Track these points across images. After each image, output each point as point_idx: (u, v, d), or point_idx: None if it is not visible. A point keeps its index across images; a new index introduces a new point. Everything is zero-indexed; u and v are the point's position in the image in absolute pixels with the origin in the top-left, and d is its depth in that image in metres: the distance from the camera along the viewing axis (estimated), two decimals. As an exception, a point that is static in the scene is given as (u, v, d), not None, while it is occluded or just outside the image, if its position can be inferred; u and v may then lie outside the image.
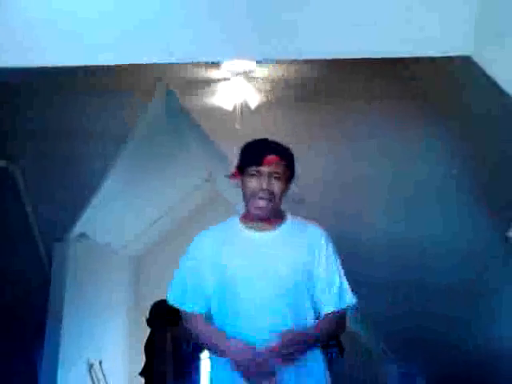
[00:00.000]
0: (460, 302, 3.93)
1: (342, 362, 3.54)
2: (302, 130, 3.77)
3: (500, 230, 3.15)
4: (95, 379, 5.02)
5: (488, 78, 2.04)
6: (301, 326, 1.71)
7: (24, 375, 4.55)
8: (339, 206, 4.04)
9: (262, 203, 1.73)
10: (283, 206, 1.84)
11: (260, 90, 3.80)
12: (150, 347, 4.22)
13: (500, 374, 4.04)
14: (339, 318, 1.81)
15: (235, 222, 1.83)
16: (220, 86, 3.80)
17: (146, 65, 2.33)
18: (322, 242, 1.80)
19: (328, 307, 1.77)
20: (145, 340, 4.29)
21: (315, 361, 1.76)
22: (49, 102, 3.62)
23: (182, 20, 2.23)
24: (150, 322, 4.25)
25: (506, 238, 3.08)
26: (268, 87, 3.78)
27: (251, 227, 1.79)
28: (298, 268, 1.74)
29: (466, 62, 2.09)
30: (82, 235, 4.83)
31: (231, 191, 4.32)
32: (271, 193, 1.73)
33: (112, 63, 2.27)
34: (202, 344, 1.83)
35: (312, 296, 1.76)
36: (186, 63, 3.22)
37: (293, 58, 2.69)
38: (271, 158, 1.72)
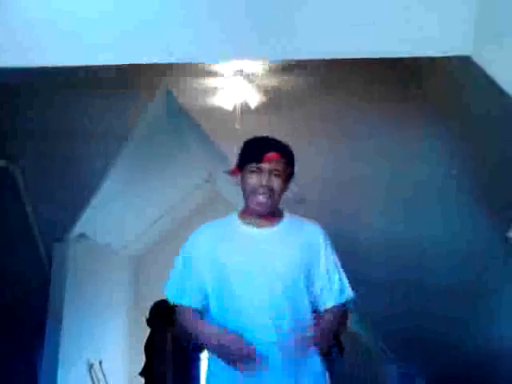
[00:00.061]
0: (460, 302, 3.93)
1: (341, 361, 3.53)
2: (301, 129, 3.77)
3: (500, 230, 3.15)
4: (95, 379, 5.02)
5: (487, 78, 2.04)
6: (299, 322, 1.71)
7: (24, 375, 4.55)
8: (338, 205, 4.04)
9: (262, 199, 1.74)
10: (283, 206, 1.85)
11: (260, 90, 3.80)
12: (150, 347, 4.22)
13: (499, 374, 4.04)
14: (342, 312, 1.85)
15: (233, 218, 1.83)
16: (220, 85, 3.81)
17: (146, 65, 2.32)
18: (321, 239, 1.81)
19: (329, 302, 1.79)
20: (145, 340, 4.29)
21: (314, 361, 1.75)
22: (49, 102, 3.62)
23: (181, 20, 2.23)
24: (149, 322, 4.25)
25: (506, 239, 3.08)
26: (268, 87, 3.78)
27: (250, 223, 1.79)
28: (296, 265, 1.74)
29: (466, 62, 2.09)
30: (82, 235, 4.83)
31: (231, 191, 4.33)
32: (271, 189, 1.74)
33: (112, 63, 2.27)
34: (193, 338, 1.82)
35: (311, 292, 1.77)
36: (186, 63, 3.22)
37: (292, 57, 2.69)
38: (272, 155, 1.73)
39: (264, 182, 1.73)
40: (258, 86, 3.78)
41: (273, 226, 1.79)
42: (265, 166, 1.73)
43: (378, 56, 2.20)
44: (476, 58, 2.06)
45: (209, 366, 1.78)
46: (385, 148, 3.69)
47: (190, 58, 2.50)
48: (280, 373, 1.67)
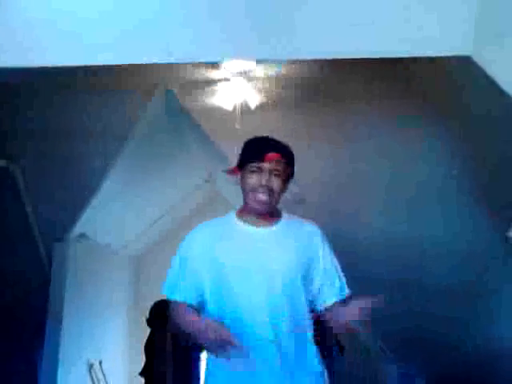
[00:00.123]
0: (460, 302, 3.93)
1: (341, 360, 3.54)
2: (301, 129, 3.77)
3: (500, 230, 3.15)
4: (95, 379, 5.02)
5: (488, 77, 2.04)
6: (298, 320, 1.73)
7: (24, 375, 4.55)
8: (338, 205, 4.04)
9: (262, 198, 1.74)
10: (282, 206, 1.85)
11: (260, 90, 3.80)
12: (150, 347, 4.22)
13: (500, 374, 4.03)
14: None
15: (231, 217, 1.83)
16: (220, 85, 3.81)
17: (146, 65, 2.33)
18: (319, 239, 1.82)
19: (330, 299, 1.80)
20: (145, 340, 4.29)
21: (313, 360, 1.75)
22: (49, 101, 3.62)
23: (181, 20, 2.23)
24: (149, 322, 4.25)
25: (506, 238, 3.08)
26: (268, 87, 3.78)
27: (248, 222, 1.79)
28: (294, 263, 1.75)
29: (466, 61, 2.09)
30: (82, 235, 4.83)
31: (231, 191, 4.32)
32: (271, 189, 1.74)
33: (112, 63, 2.27)
34: (184, 334, 1.81)
35: (310, 291, 1.78)
36: (186, 63, 3.22)
37: (292, 57, 2.69)
38: (273, 155, 1.74)
39: (264, 182, 1.73)
40: (258, 86, 3.78)
41: (271, 225, 1.80)
42: (265, 165, 1.74)
43: (377, 56, 2.20)
44: (476, 58, 2.06)
45: (207, 366, 1.78)
46: (385, 148, 3.69)
47: (190, 58, 2.50)
48: (278, 372, 1.67)
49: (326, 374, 1.77)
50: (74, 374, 4.68)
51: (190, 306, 1.77)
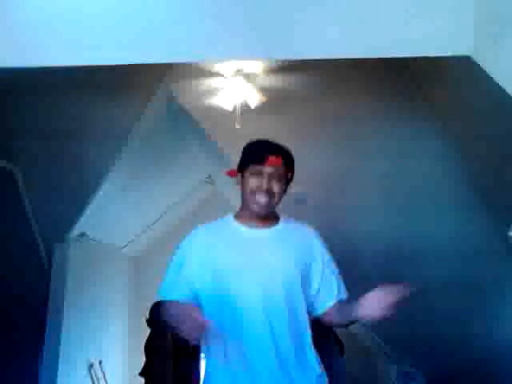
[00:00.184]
0: (460, 302, 3.93)
1: (341, 361, 3.53)
2: (301, 129, 3.78)
3: (500, 230, 3.15)
4: (95, 379, 5.02)
5: (488, 77, 2.04)
6: (297, 322, 1.73)
7: (24, 375, 4.55)
8: (338, 205, 4.04)
9: (262, 201, 1.75)
10: (284, 206, 1.85)
11: (260, 90, 3.80)
12: (150, 347, 4.21)
13: (500, 374, 4.04)
14: None
15: (229, 220, 1.85)
16: (220, 86, 3.81)
17: (146, 65, 2.32)
18: (317, 241, 1.84)
19: (329, 302, 1.81)
20: (145, 340, 4.29)
21: (312, 362, 1.75)
22: (49, 101, 3.62)
23: (182, 20, 2.23)
24: (149, 322, 4.25)
25: (506, 238, 3.08)
26: (268, 87, 3.78)
27: (246, 225, 1.80)
28: (292, 265, 1.76)
29: (466, 61, 2.09)
30: (82, 235, 4.83)
31: (231, 191, 4.32)
32: (271, 193, 1.75)
33: (112, 63, 2.27)
34: (167, 325, 1.77)
35: (308, 294, 1.79)
36: (186, 63, 3.22)
37: (293, 57, 2.69)
38: (274, 158, 1.75)
39: (265, 185, 1.74)
40: (258, 86, 3.78)
41: (269, 228, 1.81)
42: (266, 169, 1.75)
43: (378, 56, 2.20)
44: (476, 58, 2.06)
45: (207, 366, 1.78)
46: (385, 148, 3.69)
47: (190, 58, 2.50)
48: (277, 373, 1.67)
49: (325, 375, 1.77)
50: (73, 373, 4.67)
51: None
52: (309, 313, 1.79)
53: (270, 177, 1.75)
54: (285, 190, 1.81)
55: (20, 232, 4.45)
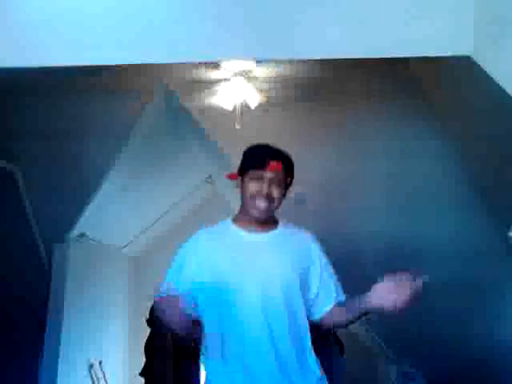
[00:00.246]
0: (460, 302, 3.93)
1: (341, 361, 3.54)
2: (301, 129, 3.78)
3: (500, 230, 3.15)
4: (95, 379, 5.02)
5: (488, 77, 2.04)
6: (296, 326, 1.73)
7: (24, 375, 4.55)
8: (338, 205, 4.04)
9: (262, 205, 1.76)
10: (284, 206, 1.86)
11: (260, 90, 3.80)
12: (150, 347, 4.22)
13: (500, 374, 4.04)
14: None
15: (228, 224, 1.85)
16: (220, 85, 3.81)
17: (146, 65, 2.32)
18: (315, 246, 1.86)
19: (328, 305, 1.82)
20: (145, 340, 4.29)
21: (312, 366, 1.75)
22: (49, 101, 3.62)
23: (182, 20, 2.22)
24: (149, 322, 4.25)
25: (507, 238, 3.08)
26: (268, 87, 3.78)
27: (245, 229, 1.81)
28: (291, 270, 1.77)
29: (466, 61, 2.09)
30: (82, 235, 4.83)
31: (231, 192, 4.32)
32: (271, 197, 1.77)
33: (112, 63, 2.27)
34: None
35: (307, 298, 1.80)
36: (186, 63, 3.22)
37: (292, 58, 2.69)
38: (275, 164, 1.76)
39: (265, 190, 1.75)
40: (258, 86, 3.78)
41: (267, 232, 1.82)
42: (267, 174, 1.76)
43: (378, 56, 2.20)
44: (476, 58, 2.06)
45: (205, 368, 1.78)
46: (385, 148, 3.69)
47: (190, 58, 2.50)
48: (277, 376, 1.67)
49: (325, 379, 1.77)
50: (73, 373, 4.67)
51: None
52: (308, 317, 1.79)
53: (271, 182, 1.76)
54: (284, 195, 1.82)
55: (20, 232, 4.45)
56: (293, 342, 1.71)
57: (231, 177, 1.85)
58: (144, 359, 4.26)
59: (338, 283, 1.86)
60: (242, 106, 3.83)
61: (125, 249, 6.06)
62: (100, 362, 5.15)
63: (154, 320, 4.19)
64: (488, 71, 2.04)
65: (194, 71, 3.64)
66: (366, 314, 1.72)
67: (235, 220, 1.85)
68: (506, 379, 3.96)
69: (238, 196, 1.85)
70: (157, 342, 4.18)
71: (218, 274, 1.74)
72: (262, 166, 1.75)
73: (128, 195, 4.90)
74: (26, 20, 2.21)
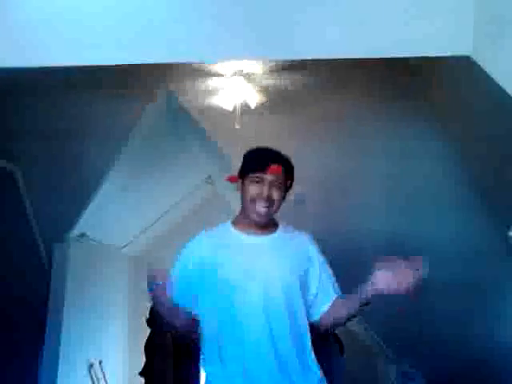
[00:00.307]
0: (460, 302, 3.93)
1: (341, 361, 3.54)
2: (301, 129, 3.77)
3: (500, 230, 3.15)
4: (95, 379, 5.02)
5: (488, 77, 2.04)
6: (296, 326, 1.74)
7: (24, 375, 4.55)
8: (338, 205, 4.04)
9: (262, 209, 1.77)
10: (283, 207, 1.86)
11: (260, 90, 3.80)
12: (150, 347, 4.22)
13: (500, 374, 4.04)
14: None
15: (228, 227, 1.86)
16: (220, 86, 3.80)
17: (146, 65, 2.33)
18: (313, 248, 1.88)
19: (327, 304, 1.84)
20: (145, 340, 4.29)
21: (312, 366, 1.75)
22: (49, 101, 3.62)
23: (181, 20, 2.23)
24: (149, 321, 4.25)
25: (507, 239, 3.08)
26: (268, 87, 3.78)
27: (245, 232, 1.82)
28: (290, 271, 1.78)
29: (466, 61, 2.09)
30: (82, 235, 4.83)
31: (231, 192, 4.32)
32: (271, 200, 1.77)
33: (112, 63, 2.27)
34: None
35: (307, 299, 1.81)
36: (186, 63, 3.22)
37: (292, 58, 2.69)
38: (276, 167, 1.77)
39: (265, 193, 1.76)
40: (258, 86, 3.78)
41: (267, 235, 1.83)
42: (267, 177, 1.77)
43: (377, 56, 2.20)
44: (476, 58, 2.06)
45: (204, 368, 1.78)
46: (385, 148, 3.69)
47: (190, 58, 2.50)
48: (277, 376, 1.67)
49: (325, 381, 1.77)
50: (73, 373, 4.67)
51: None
52: (307, 318, 1.80)
53: (271, 184, 1.77)
54: (284, 198, 1.83)
55: (20, 232, 4.45)
56: (293, 341, 1.72)
57: (231, 179, 1.86)
58: (144, 359, 4.25)
59: (335, 281, 1.88)
60: (241, 106, 3.83)
61: (125, 249, 6.06)
62: (100, 362, 5.16)
63: (154, 320, 4.19)
64: (487, 71, 2.04)
65: (194, 71, 3.64)
66: (366, 303, 1.73)
67: (235, 223, 1.86)
68: (506, 379, 3.96)
69: (238, 196, 1.85)
70: (157, 341, 4.18)
71: (219, 276, 1.74)
72: (263, 168, 1.76)
73: (128, 195, 4.90)
74: (26, 20, 2.21)
